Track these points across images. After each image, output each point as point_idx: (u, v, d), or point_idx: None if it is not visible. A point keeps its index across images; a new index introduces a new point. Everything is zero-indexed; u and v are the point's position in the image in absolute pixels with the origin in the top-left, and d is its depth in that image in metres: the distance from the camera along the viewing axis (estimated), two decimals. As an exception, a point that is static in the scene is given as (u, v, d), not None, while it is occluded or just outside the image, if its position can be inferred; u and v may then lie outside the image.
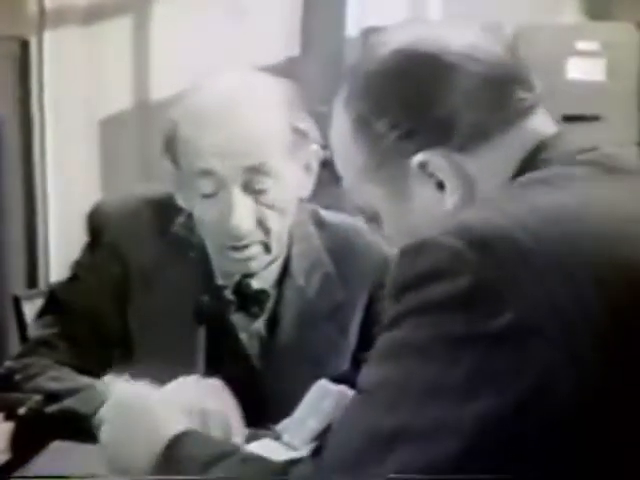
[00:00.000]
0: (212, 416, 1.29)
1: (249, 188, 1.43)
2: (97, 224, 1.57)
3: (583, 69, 3.43)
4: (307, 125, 1.49)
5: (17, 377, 1.47)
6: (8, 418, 1.32)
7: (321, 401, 1.29)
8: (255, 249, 1.47)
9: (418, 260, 0.85)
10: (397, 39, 1.02)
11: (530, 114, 1.00)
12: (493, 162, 0.98)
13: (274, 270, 1.55)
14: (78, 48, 3.70)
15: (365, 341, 1.55)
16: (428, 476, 0.80)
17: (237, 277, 1.53)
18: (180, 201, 1.52)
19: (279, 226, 1.48)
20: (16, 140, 3.62)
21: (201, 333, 1.51)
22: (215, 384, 1.35)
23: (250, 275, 1.52)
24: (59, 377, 1.46)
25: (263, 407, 1.40)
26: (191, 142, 1.44)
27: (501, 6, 3.61)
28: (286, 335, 1.54)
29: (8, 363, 1.52)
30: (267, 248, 1.48)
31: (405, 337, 0.84)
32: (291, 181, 1.47)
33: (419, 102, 0.98)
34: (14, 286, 3.38)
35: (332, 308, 1.56)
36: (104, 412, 1.20)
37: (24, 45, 3.67)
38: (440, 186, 0.99)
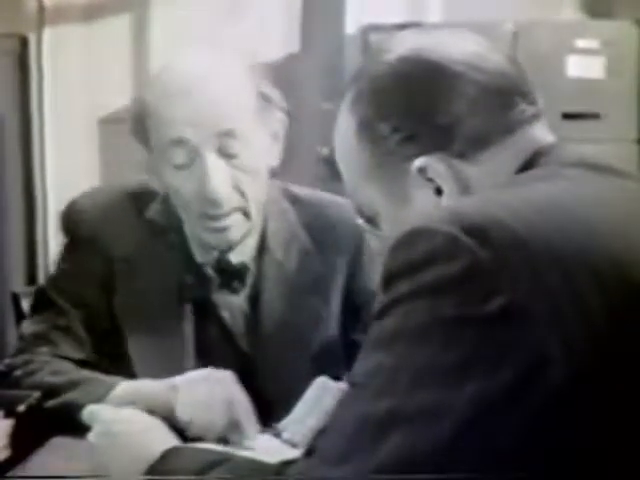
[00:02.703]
0: (237, 405, 1.33)
1: (222, 153, 1.46)
2: (73, 221, 1.59)
3: (583, 67, 3.43)
4: (272, 90, 1.51)
5: (17, 373, 1.48)
6: (7, 415, 1.32)
7: (321, 398, 1.29)
8: (234, 217, 1.49)
9: (411, 248, 0.86)
10: (402, 46, 1.04)
11: (530, 124, 1.01)
12: (491, 169, 0.99)
13: (251, 245, 1.57)
14: (77, 45, 3.70)
15: (348, 310, 1.60)
16: (424, 475, 0.80)
17: (216, 254, 1.55)
18: (155, 183, 1.55)
19: (254, 190, 1.49)
20: (15, 137, 3.62)
21: (188, 316, 1.53)
22: (228, 375, 1.38)
23: (228, 250, 1.54)
24: (59, 371, 1.47)
25: (251, 386, 1.41)
26: (161, 115, 1.46)
27: (501, 3, 3.61)
28: (269, 310, 1.56)
29: (7, 360, 1.53)
30: (246, 214, 1.50)
31: (397, 324, 0.85)
32: (260, 147, 1.49)
33: (421, 108, 1.00)
34: (13, 283, 3.38)
35: (312, 280, 1.58)
36: (91, 438, 1.22)
37: (23, 42, 3.67)
38: (438, 191, 1.00)
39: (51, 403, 1.40)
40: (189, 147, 1.45)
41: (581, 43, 3.43)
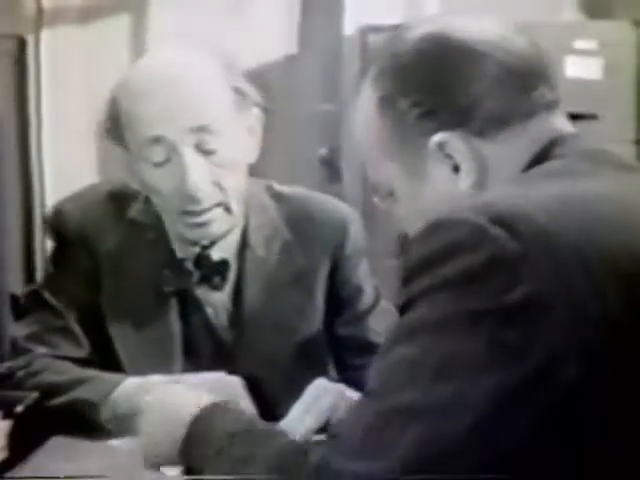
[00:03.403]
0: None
1: (199, 149, 1.45)
2: (58, 225, 1.61)
3: (581, 67, 3.43)
4: (246, 86, 1.51)
5: (20, 374, 1.48)
6: (6, 416, 1.32)
7: (320, 399, 1.29)
8: (215, 212, 1.49)
9: (433, 240, 0.86)
10: (427, 26, 1.05)
11: (551, 110, 1.02)
12: (509, 151, 1.00)
13: (233, 241, 1.57)
14: (75, 47, 3.70)
15: (333, 305, 1.60)
16: (439, 476, 0.80)
17: (197, 249, 1.55)
18: (134, 183, 1.55)
19: (234, 186, 1.50)
20: (13, 138, 3.62)
21: (174, 313, 1.55)
22: (236, 380, 1.39)
23: (210, 245, 1.54)
24: (63, 370, 1.48)
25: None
26: (134, 114, 1.46)
27: (499, 4, 3.61)
28: (251, 306, 1.56)
29: (9, 363, 1.53)
30: (227, 209, 1.50)
31: (421, 316, 0.85)
32: (237, 142, 1.49)
33: (443, 84, 1.01)
34: (12, 285, 3.37)
35: (295, 275, 1.58)
36: (141, 404, 1.23)
37: (21, 43, 3.67)
38: (456, 169, 1.01)
39: (56, 401, 1.41)
40: (166, 144, 1.45)
41: (579, 44, 3.43)
